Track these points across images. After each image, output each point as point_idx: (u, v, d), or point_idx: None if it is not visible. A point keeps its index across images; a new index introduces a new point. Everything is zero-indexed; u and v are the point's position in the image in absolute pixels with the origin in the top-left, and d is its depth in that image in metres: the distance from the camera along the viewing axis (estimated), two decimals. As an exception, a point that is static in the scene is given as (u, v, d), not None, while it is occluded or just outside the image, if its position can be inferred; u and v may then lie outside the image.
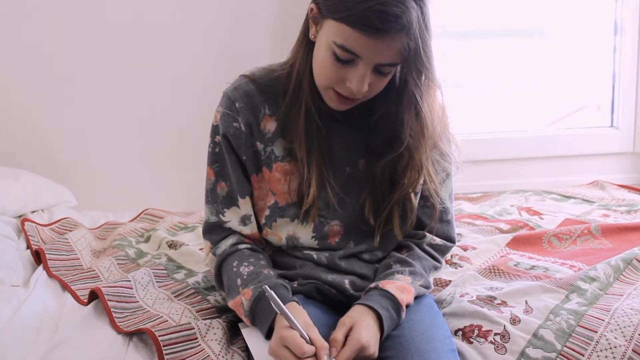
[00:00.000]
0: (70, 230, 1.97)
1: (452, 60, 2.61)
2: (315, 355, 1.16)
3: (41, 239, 1.87)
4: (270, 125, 1.38)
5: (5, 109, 2.36)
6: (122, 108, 2.45)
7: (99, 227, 2.10)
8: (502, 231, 1.93)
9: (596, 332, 1.33)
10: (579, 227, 1.87)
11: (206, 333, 1.37)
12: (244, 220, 1.41)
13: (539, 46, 2.70)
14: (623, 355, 1.28)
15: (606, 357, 1.28)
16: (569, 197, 2.25)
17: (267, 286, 1.20)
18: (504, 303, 1.46)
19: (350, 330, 1.23)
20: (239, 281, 1.34)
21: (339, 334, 1.22)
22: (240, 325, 1.38)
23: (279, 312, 1.18)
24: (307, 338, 1.18)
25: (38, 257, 1.75)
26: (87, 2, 2.36)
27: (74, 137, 2.43)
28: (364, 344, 1.20)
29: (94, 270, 1.70)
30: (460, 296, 1.50)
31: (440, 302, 1.50)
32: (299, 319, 1.20)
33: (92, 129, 2.44)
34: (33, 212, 2.06)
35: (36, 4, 2.33)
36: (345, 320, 1.25)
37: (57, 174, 2.33)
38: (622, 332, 1.32)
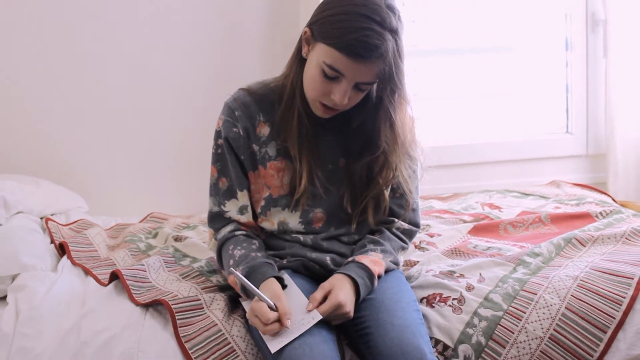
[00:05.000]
0: (86, 229, 2.19)
1: (423, 75, 2.77)
2: (279, 320, 1.39)
3: (62, 235, 2.08)
4: (264, 130, 1.61)
5: (26, 127, 2.54)
6: (128, 126, 2.62)
7: (110, 228, 2.29)
8: (465, 222, 2.14)
9: (536, 294, 1.57)
10: (531, 216, 2.10)
11: (211, 304, 1.59)
12: (242, 210, 1.64)
13: (501, 62, 2.84)
14: (557, 312, 1.53)
15: (543, 313, 1.53)
16: (528, 195, 2.46)
17: (232, 268, 1.44)
18: (461, 275, 1.70)
19: (329, 292, 1.46)
20: (231, 262, 1.57)
21: (317, 294, 1.46)
22: (240, 299, 1.60)
23: (246, 287, 1.42)
24: (274, 307, 1.40)
25: (62, 250, 1.98)
26: (99, 26, 2.53)
27: (85, 151, 2.59)
28: (341, 301, 1.43)
29: (111, 259, 1.92)
30: (425, 272, 1.73)
31: (409, 278, 1.72)
32: (268, 292, 1.43)
33: (101, 143, 2.60)
34: (52, 214, 2.26)
35: (50, 25, 2.50)
36: (326, 284, 1.49)
37: (71, 183, 2.51)
38: (557, 294, 1.57)
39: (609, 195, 2.38)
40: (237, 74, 2.54)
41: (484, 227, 2.07)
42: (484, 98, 2.87)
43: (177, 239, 2.09)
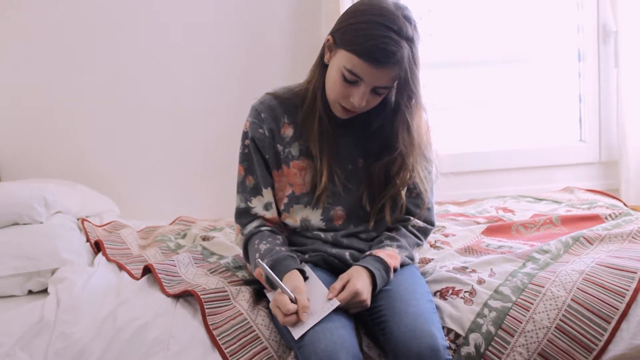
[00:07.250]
0: (119, 230, 2.30)
1: (442, 86, 2.83)
2: (297, 313, 1.47)
3: (97, 235, 2.20)
4: (288, 132, 1.72)
5: (64, 137, 2.69)
6: (157, 134, 2.76)
7: (141, 230, 2.40)
8: (479, 224, 2.21)
9: (543, 287, 1.64)
10: (542, 218, 2.16)
11: (237, 295, 1.70)
12: (267, 207, 1.74)
13: (516, 73, 2.90)
14: (563, 304, 1.60)
15: (550, 304, 1.60)
16: (541, 200, 2.52)
17: (259, 259, 1.53)
18: (473, 271, 1.78)
19: (347, 282, 1.55)
20: (257, 255, 1.66)
21: (337, 284, 1.55)
22: (264, 290, 1.70)
23: (271, 279, 1.51)
24: (294, 299, 1.49)
25: (97, 248, 2.10)
26: (130, 37, 2.68)
27: (117, 159, 2.74)
28: (358, 289, 1.52)
29: (143, 256, 2.03)
30: (439, 268, 1.81)
31: (424, 274, 1.81)
32: (289, 284, 1.52)
33: (132, 152, 2.74)
34: (87, 216, 2.37)
35: (83, 38, 2.65)
36: (344, 275, 1.58)
37: (104, 188, 2.65)
38: (563, 287, 1.64)
39: (620, 200, 2.43)
40: (262, 83, 2.59)
41: (497, 228, 2.13)
42: (500, 108, 2.93)
43: (205, 238, 2.19)
